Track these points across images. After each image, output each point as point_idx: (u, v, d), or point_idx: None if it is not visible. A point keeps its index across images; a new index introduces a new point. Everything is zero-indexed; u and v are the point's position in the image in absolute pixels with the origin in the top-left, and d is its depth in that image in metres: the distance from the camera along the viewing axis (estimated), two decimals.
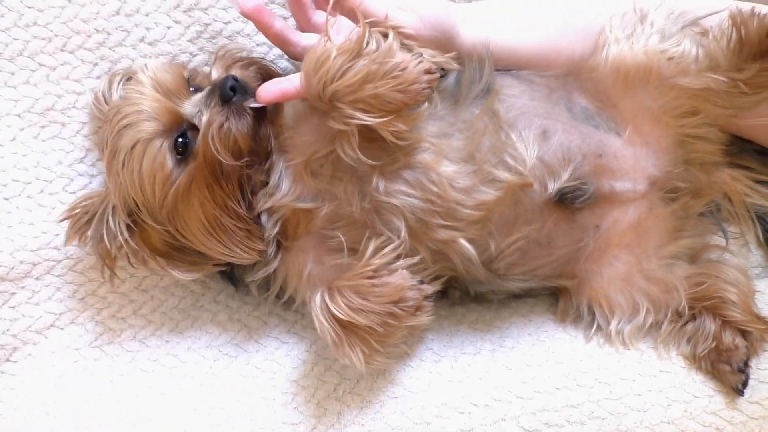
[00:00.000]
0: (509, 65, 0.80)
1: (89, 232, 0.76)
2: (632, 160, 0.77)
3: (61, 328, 0.83)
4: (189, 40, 0.84)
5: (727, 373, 0.73)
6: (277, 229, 0.75)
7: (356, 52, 0.66)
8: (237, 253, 0.73)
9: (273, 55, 0.86)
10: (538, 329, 0.83)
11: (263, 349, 0.83)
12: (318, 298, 0.71)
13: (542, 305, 0.86)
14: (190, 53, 0.85)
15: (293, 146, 0.74)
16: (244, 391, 0.78)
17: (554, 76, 0.79)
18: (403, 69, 0.66)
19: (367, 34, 0.66)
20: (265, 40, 0.80)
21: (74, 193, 0.83)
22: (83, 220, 0.76)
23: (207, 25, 0.84)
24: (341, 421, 0.74)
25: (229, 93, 0.70)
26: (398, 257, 0.72)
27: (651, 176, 0.77)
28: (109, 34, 0.83)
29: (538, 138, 0.74)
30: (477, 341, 0.82)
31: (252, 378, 0.80)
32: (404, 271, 0.71)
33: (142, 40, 0.83)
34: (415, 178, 0.72)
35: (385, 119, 0.66)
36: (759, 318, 0.76)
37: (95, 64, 0.83)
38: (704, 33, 0.75)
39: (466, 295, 0.84)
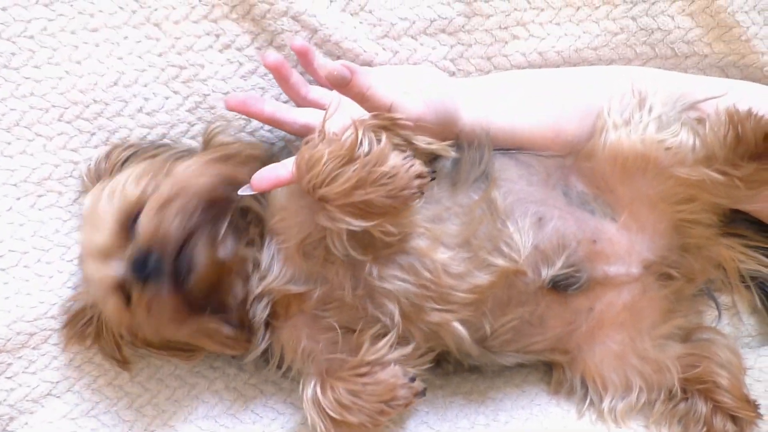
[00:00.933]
0: (509, 145, 0.80)
1: (89, 340, 0.78)
2: (627, 245, 0.77)
3: (58, 397, 0.83)
4: (187, 110, 0.84)
5: None
6: (267, 311, 0.75)
7: (347, 158, 0.65)
8: (228, 350, 0.77)
9: None
10: (531, 402, 0.84)
11: (260, 421, 0.83)
12: (310, 391, 0.72)
13: (535, 375, 0.87)
14: (189, 123, 0.84)
15: (286, 228, 0.73)
16: None
17: (552, 157, 0.79)
18: (394, 176, 0.65)
19: (360, 135, 0.65)
20: None
21: (71, 261, 0.83)
22: (81, 323, 0.78)
23: (206, 95, 0.84)
24: None
25: (142, 275, 0.68)
26: (391, 346, 0.73)
27: (645, 260, 0.78)
28: (106, 104, 0.82)
29: (533, 226, 0.75)
30: (471, 414, 0.83)
31: None
32: (396, 367, 0.72)
33: (140, 110, 0.83)
34: (409, 263, 0.72)
35: (373, 223, 0.67)
36: (749, 403, 0.77)
37: (92, 134, 0.83)
38: (701, 120, 0.75)
39: (459, 366, 0.84)
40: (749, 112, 0.69)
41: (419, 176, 0.66)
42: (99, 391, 0.84)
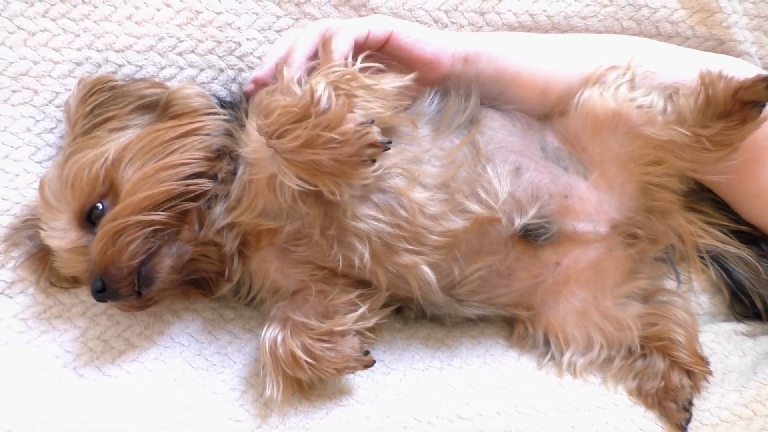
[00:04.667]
0: (496, 89, 0.81)
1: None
2: (596, 204, 0.80)
3: (10, 297, 0.81)
4: (178, 25, 0.83)
5: (674, 410, 0.78)
6: (237, 242, 0.76)
7: (301, 115, 0.64)
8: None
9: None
10: (486, 352, 0.86)
11: (216, 342, 0.83)
12: (269, 337, 0.74)
13: (492, 328, 0.89)
14: (177, 38, 0.84)
15: (258, 160, 0.72)
16: (191, 380, 0.79)
17: (533, 114, 0.81)
18: (344, 142, 0.64)
19: (319, 92, 0.64)
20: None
21: (41, 162, 0.82)
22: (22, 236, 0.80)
23: (198, 12, 0.83)
24: (286, 423, 0.75)
25: (100, 298, 0.72)
26: (359, 320, 0.76)
27: (613, 220, 0.81)
28: (95, 6, 0.81)
29: (511, 174, 0.76)
30: (427, 358, 0.84)
31: (201, 370, 0.80)
32: (356, 338, 0.75)
33: (129, 18, 0.82)
34: (386, 202, 0.73)
35: (320, 183, 0.67)
36: (702, 359, 0.81)
37: (77, 36, 0.82)
38: (675, 91, 0.78)
39: (422, 317, 0.86)
40: (720, 74, 0.72)
41: (372, 145, 0.65)
42: (54, 297, 0.82)
